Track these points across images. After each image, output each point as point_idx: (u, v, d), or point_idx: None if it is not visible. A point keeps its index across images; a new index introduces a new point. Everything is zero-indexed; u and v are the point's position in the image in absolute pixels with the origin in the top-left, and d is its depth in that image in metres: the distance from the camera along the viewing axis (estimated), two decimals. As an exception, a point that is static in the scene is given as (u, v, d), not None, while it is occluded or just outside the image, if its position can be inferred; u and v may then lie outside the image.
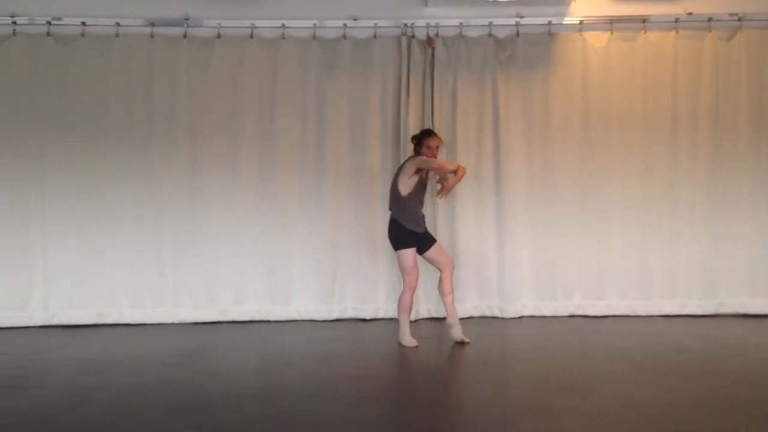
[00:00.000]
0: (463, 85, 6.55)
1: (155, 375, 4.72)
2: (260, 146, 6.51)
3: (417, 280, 5.50)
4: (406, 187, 5.44)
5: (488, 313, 6.57)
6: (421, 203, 5.62)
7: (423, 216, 5.61)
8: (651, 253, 6.55)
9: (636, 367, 4.84)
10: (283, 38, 6.49)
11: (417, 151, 5.58)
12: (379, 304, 6.55)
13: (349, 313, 6.57)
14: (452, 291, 5.59)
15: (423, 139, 5.57)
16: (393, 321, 6.45)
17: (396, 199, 5.51)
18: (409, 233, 5.46)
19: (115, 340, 5.85)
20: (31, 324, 6.28)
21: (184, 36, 6.44)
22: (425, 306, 6.53)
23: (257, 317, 6.49)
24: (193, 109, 6.47)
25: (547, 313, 6.56)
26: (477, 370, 4.90)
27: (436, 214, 6.51)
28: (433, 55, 6.49)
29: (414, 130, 6.45)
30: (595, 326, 6.22)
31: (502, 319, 6.51)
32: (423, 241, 5.57)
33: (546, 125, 6.58)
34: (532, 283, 6.59)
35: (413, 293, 5.54)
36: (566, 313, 6.56)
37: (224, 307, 6.48)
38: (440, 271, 5.62)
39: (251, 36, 6.48)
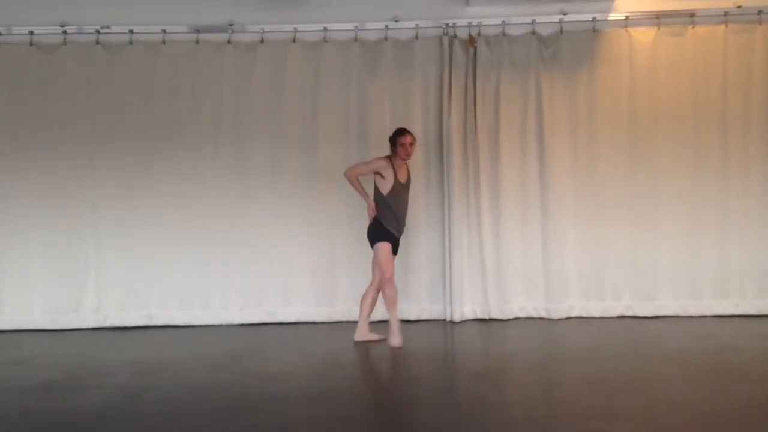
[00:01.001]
0: (506, 84, 6.50)
1: (205, 376, 4.78)
2: (303, 148, 6.55)
3: (393, 272, 5.52)
4: (381, 185, 5.50)
5: (534, 314, 6.50)
6: (405, 206, 5.64)
7: (404, 223, 5.66)
8: (702, 252, 6.42)
9: (688, 368, 4.73)
10: (325, 41, 6.54)
11: (393, 151, 5.60)
12: (423, 306, 6.54)
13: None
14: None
15: (396, 137, 5.58)
16: (437, 322, 6.46)
17: (379, 199, 5.56)
18: (386, 231, 5.52)
19: (165, 342, 5.95)
20: (84, 326, 6.43)
21: (229, 41, 6.53)
22: (470, 307, 6.48)
23: (303, 319, 6.54)
24: (237, 113, 6.56)
25: (595, 314, 6.46)
26: (527, 371, 4.84)
27: (480, 216, 6.47)
28: (475, 54, 6.46)
29: (457, 130, 6.44)
30: (645, 327, 6.11)
31: (549, 320, 6.43)
32: (395, 245, 5.61)
33: (591, 124, 6.49)
34: (580, 284, 6.50)
35: (393, 285, 5.54)
36: (615, 314, 6.46)
37: (271, 309, 6.54)
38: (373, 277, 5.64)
39: (294, 40, 6.54)
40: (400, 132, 5.60)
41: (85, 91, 6.49)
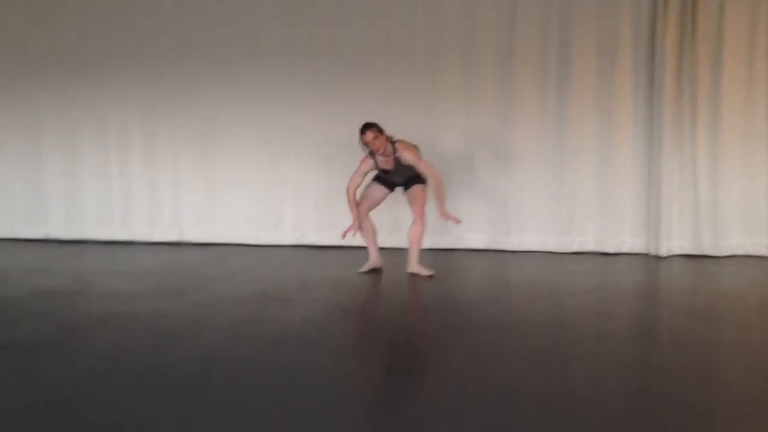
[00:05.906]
0: (734, 3, 5.79)
1: (402, 296, 4.83)
2: (499, 78, 6.29)
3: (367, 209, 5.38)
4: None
5: (754, 252, 5.99)
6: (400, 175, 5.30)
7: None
8: None
9: None
10: (526, -40, 6.15)
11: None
12: (624, 239, 6.18)
13: (589, 247, 6.26)
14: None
15: (360, 138, 5.10)
16: (639, 256, 6.06)
17: None
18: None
19: (358, 261, 6.06)
20: (283, 243, 6.77)
21: (423, -34, 6.33)
22: (678, 242, 6.03)
23: (491, 246, 6.43)
24: (430, 43, 6.40)
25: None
26: (753, 312, 4.40)
27: (696, 144, 5.98)
28: (697, -33, 5.79)
29: (671, 58, 5.91)
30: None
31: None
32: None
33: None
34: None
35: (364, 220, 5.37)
36: None
37: (461, 234, 6.46)
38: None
39: (491, -40, 6.21)
40: (360, 132, 5.13)
41: (281, 16, 6.59)
